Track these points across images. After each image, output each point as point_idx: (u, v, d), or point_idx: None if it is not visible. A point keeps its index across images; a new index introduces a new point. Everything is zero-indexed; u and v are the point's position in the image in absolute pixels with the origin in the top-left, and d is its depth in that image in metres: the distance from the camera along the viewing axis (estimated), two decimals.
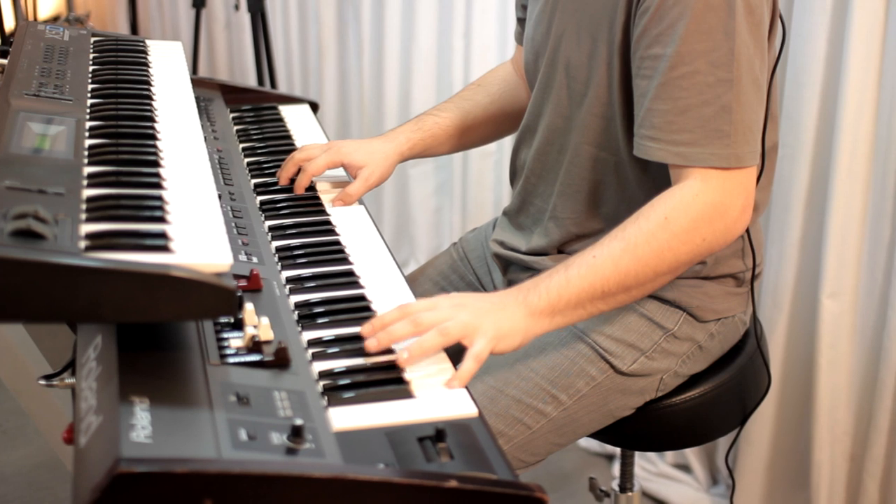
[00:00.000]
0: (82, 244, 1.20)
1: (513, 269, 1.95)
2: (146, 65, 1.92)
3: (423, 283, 2.10)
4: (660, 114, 1.60)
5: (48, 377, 1.47)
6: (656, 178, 1.69)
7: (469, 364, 1.43)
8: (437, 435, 1.22)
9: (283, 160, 1.99)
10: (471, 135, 2.12)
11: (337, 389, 1.31)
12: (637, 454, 2.25)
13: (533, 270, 1.84)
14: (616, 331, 1.76)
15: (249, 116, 2.29)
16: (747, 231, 1.78)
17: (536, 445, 1.72)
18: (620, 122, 1.72)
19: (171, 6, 4.91)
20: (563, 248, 1.86)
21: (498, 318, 1.52)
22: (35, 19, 3.80)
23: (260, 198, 1.90)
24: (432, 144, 2.08)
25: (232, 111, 2.29)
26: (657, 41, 1.60)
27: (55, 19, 4.35)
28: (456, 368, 1.41)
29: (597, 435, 1.83)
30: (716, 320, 1.82)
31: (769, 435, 2.64)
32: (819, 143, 2.40)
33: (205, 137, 1.67)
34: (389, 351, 1.42)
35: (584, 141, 1.78)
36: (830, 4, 2.30)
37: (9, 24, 3.27)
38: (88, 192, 1.33)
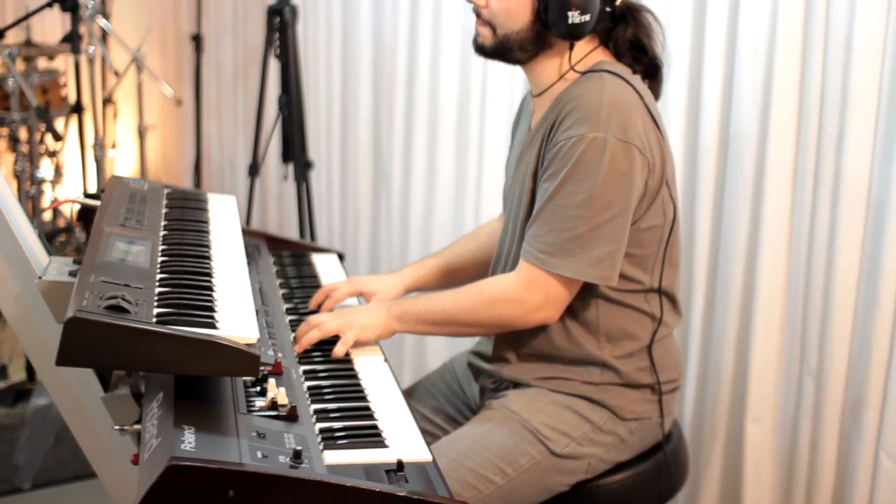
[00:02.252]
0: (154, 319, 1.65)
1: (482, 377, 2.38)
2: (205, 210, 2.39)
3: (419, 388, 2.55)
4: (537, 230, 2.10)
5: (122, 428, 1.91)
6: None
7: (339, 347, 2.14)
8: (398, 466, 1.64)
9: (310, 292, 2.45)
10: (457, 275, 2.58)
11: (331, 439, 1.74)
12: None
13: (494, 377, 2.30)
14: (553, 422, 2.17)
15: (287, 260, 2.74)
16: (650, 352, 2.24)
17: None
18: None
19: (232, 176, 5.45)
20: (519, 349, 2.28)
21: (363, 317, 2.20)
22: None
23: (289, 317, 2.34)
24: (429, 281, 2.57)
25: (273, 256, 2.74)
26: (549, 177, 2.09)
27: None
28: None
29: None
30: (635, 419, 2.23)
31: None
32: (744, 295, 2.83)
33: (249, 271, 2.13)
34: (369, 416, 1.86)
35: (515, 254, 2.23)
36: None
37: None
38: (159, 289, 1.79)
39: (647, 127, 2.09)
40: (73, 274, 2.04)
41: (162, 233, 2.13)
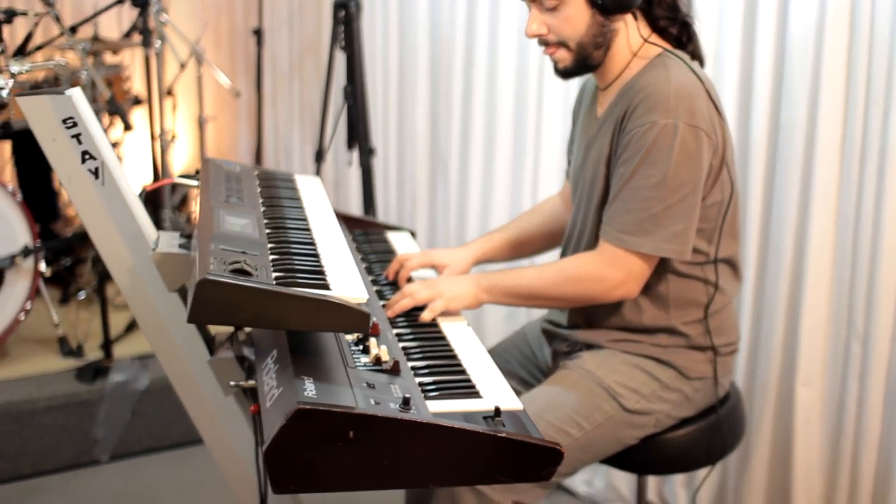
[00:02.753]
0: (274, 281, 1.82)
1: (556, 342, 2.54)
2: (296, 188, 2.56)
3: (492, 354, 2.68)
4: (615, 211, 2.25)
5: (237, 384, 2.08)
6: None
7: (427, 312, 2.29)
8: (495, 412, 1.80)
9: (388, 266, 2.60)
10: (524, 248, 2.75)
11: (432, 391, 1.90)
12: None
13: (569, 341, 2.46)
14: (625, 380, 2.33)
15: (363, 238, 2.89)
16: (718, 312, 2.38)
17: (566, 459, 2.26)
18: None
19: (287, 164, 5.62)
20: (591, 318, 2.44)
21: (452, 287, 2.34)
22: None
23: (374, 288, 2.50)
24: (497, 254, 2.72)
25: (350, 234, 2.90)
26: (623, 163, 2.24)
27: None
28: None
29: (611, 461, 2.39)
30: (699, 378, 2.39)
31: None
32: (794, 264, 2.98)
33: None
34: (462, 371, 2.02)
35: (592, 231, 2.39)
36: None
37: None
38: (272, 256, 1.96)
39: (710, 110, 2.24)
40: (182, 247, 2.21)
41: (262, 209, 2.29)
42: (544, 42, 2.33)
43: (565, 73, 2.36)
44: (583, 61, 2.32)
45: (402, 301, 2.30)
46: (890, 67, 2.65)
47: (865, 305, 2.80)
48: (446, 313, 2.32)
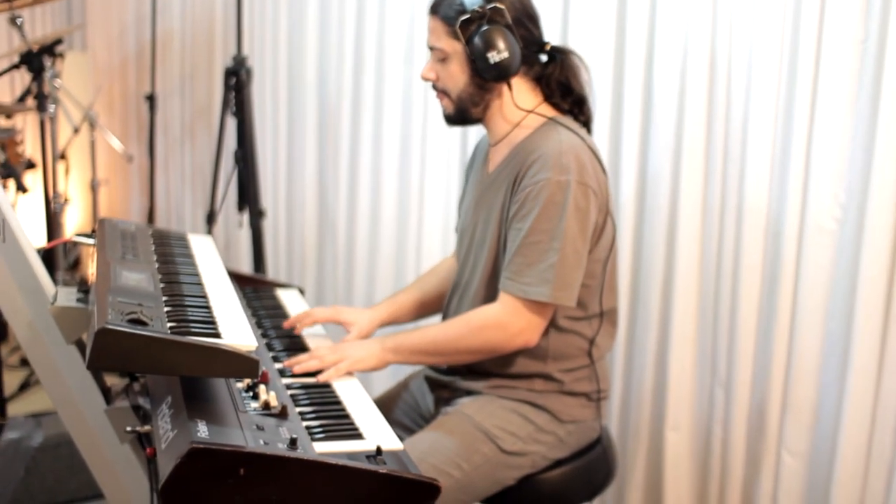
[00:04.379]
0: (169, 330, 1.91)
1: (438, 389, 2.66)
2: (188, 246, 2.65)
3: (377, 403, 2.79)
4: (515, 264, 2.37)
5: (132, 431, 2.16)
6: None
7: (332, 371, 2.35)
8: (377, 451, 1.90)
9: (277, 321, 2.70)
10: (427, 308, 2.87)
11: (317, 433, 2.00)
12: None
13: (450, 388, 2.58)
14: (502, 423, 2.45)
15: (252, 294, 2.99)
16: (593, 363, 2.52)
17: (449, 500, 2.37)
18: (496, 268, 2.49)
19: (179, 226, 5.67)
20: (472, 366, 2.56)
21: (357, 350, 2.43)
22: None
23: (263, 340, 2.60)
24: (403, 315, 2.84)
25: (240, 290, 2.99)
26: (521, 219, 2.37)
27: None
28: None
29: (490, 501, 2.50)
30: (572, 422, 2.52)
31: None
32: (661, 314, 3.14)
33: None
34: (346, 415, 2.12)
35: (480, 284, 2.52)
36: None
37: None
38: (167, 308, 2.05)
39: (596, 171, 2.40)
40: (80, 301, 2.29)
41: (156, 265, 2.38)
42: (434, 87, 2.52)
43: (447, 119, 2.55)
44: (461, 113, 2.51)
45: (309, 362, 2.38)
46: (744, 129, 2.85)
47: (727, 353, 2.97)
48: (351, 373, 2.42)
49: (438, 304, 2.86)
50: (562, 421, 2.51)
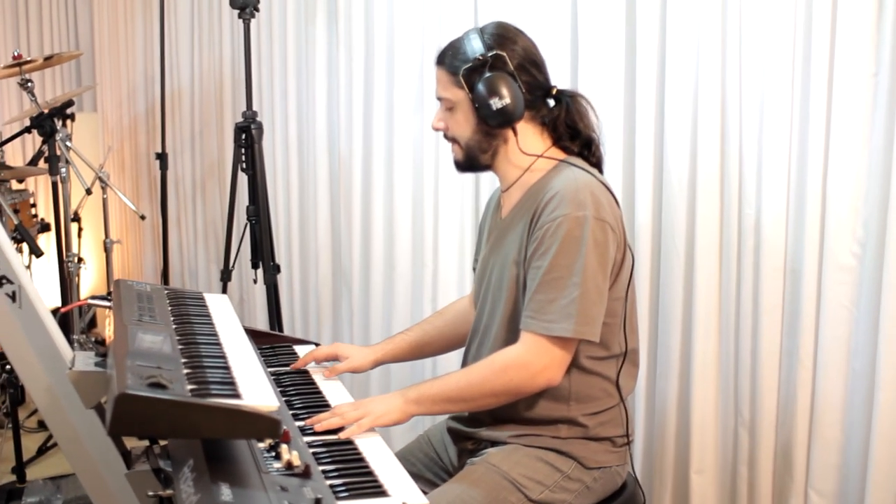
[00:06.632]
0: (189, 393, 1.88)
1: (461, 441, 2.62)
2: (205, 306, 2.63)
3: (398, 458, 2.76)
4: (536, 302, 2.34)
5: (154, 495, 2.12)
6: None
7: (354, 427, 2.29)
8: None
9: (298, 380, 2.67)
10: (426, 349, 2.86)
11: (342, 492, 1.96)
12: None
13: (473, 439, 2.54)
14: (529, 472, 2.41)
15: (269, 351, 2.96)
16: (617, 405, 2.48)
17: None
18: (515, 309, 2.46)
19: (192, 284, 5.66)
20: (494, 414, 2.51)
21: (378, 405, 2.38)
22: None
23: (283, 398, 2.57)
24: (399, 354, 2.84)
25: (258, 348, 2.96)
26: (540, 256, 2.34)
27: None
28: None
29: None
30: (598, 468, 2.48)
31: None
32: (682, 358, 3.10)
33: None
34: (369, 472, 2.09)
35: (500, 327, 2.49)
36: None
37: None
38: (186, 370, 2.02)
39: (611, 204, 2.39)
40: (98, 365, 2.26)
41: (173, 325, 2.35)
42: (445, 136, 2.54)
43: (457, 166, 2.56)
44: (471, 160, 2.52)
45: (331, 420, 2.34)
46: (759, 166, 2.83)
47: (750, 394, 2.93)
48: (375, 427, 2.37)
49: (437, 345, 2.87)
50: (588, 468, 2.47)
